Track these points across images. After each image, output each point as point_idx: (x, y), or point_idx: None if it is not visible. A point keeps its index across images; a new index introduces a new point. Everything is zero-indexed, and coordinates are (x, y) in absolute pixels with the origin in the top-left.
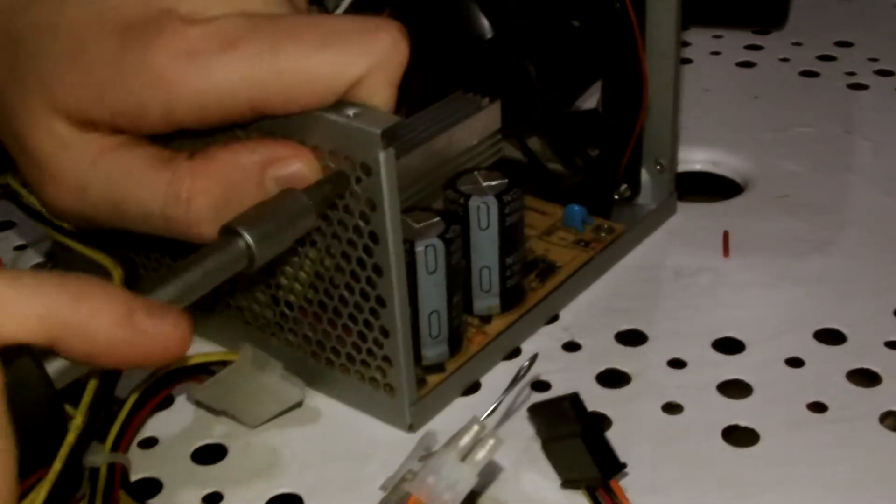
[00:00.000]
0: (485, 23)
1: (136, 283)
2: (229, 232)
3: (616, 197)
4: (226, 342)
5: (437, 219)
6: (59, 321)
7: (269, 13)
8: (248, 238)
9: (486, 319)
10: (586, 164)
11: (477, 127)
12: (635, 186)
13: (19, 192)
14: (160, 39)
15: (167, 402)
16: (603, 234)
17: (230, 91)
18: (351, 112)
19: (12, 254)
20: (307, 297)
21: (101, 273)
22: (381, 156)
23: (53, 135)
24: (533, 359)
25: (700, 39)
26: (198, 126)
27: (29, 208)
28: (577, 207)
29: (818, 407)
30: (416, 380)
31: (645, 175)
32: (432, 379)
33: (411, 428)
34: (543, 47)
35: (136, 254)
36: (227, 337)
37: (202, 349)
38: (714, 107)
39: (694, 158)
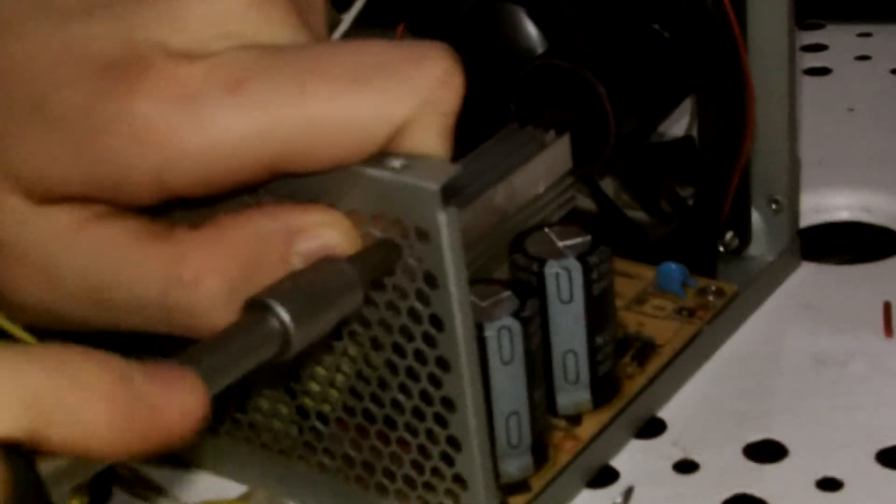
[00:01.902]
0: (534, 32)
1: None
2: (257, 307)
3: (721, 249)
4: (235, 473)
5: (507, 293)
6: (41, 404)
7: (284, 43)
8: (283, 314)
9: (574, 419)
10: (677, 208)
11: (542, 170)
12: (744, 233)
13: None
14: (146, 82)
15: None
16: (710, 299)
17: (241, 146)
18: (397, 164)
19: None
20: (347, 406)
21: None
22: (442, 217)
23: (10, 211)
24: (629, 492)
25: (840, 40)
26: (197, 192)
27: None
28: (673, 266)
29: None
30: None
31: (756, 217)
32: (516, 501)
33: None
34: (614, 60)
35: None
36: (237, 466)
37: (203, 484)
38: (863, 133)
39: (838, 204)
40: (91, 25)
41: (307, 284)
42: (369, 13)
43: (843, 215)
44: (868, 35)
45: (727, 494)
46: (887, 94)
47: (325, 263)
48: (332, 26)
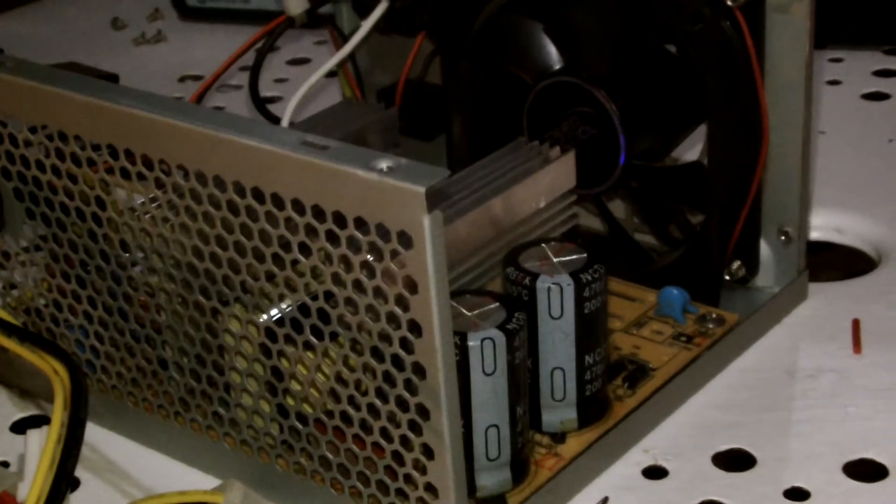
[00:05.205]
0: (552, 50)
1: (82, 393)
2: None
3: (727, 277)
4: (216, 469)
5: (495, 304)
6: None
7: None
8: None
9: (559, 438)
10: (686, 234)
11: (544, 185)
12: (752, 263)
13: None
14: None
15: None
16: (710, 327)
17: None
18: (383, 165)
19: None
20: (326, 408)
21: (42, 380)
22: (426, 221)
23: None
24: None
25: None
26: None
27: None
28: (675, 291)
29: None
30: None
31: (765, 248)
32: None
33: None
34: (628, 81)
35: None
36: (219, 462)
37: (185, 479)
38: (835, 155)
39: (810, 224)
40: None
41: None
42: (390, 21)
43: (815, 235)
44: (839, 60)
45: (695, 501)
46: (857, 118)
47: None
48: (352, 32)
